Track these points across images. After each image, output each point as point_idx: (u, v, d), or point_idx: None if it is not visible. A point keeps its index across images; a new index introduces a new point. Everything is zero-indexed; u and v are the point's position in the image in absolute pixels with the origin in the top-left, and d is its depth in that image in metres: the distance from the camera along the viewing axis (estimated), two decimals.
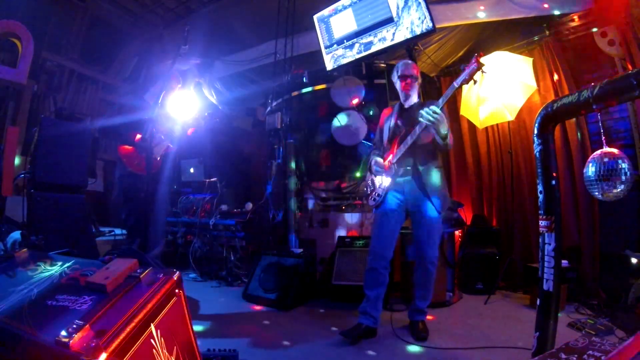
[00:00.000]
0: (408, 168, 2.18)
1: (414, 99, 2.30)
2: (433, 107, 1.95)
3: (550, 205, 1.25)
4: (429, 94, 3.88)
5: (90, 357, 0.78)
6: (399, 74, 2.28)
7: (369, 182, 2.37)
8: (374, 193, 2.30)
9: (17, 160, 3.20)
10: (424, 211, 2.14)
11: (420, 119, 2.00)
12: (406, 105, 2.30)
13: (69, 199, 2.79)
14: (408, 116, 2.24)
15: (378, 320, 2.11)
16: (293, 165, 3.83)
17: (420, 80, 2.32)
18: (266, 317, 2.54)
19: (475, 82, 1.94)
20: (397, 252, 2.88)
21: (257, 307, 2.76)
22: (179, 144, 4.16)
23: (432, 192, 2.12)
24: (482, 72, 1.89)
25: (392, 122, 2.30)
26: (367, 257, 2.20)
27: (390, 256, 2.17)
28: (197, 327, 2.18)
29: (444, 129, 2.01)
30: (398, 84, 2.30)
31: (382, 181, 2.26)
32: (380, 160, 2.27)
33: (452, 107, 3.99)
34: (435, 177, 2.16)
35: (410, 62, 2.33)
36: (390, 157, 2.22)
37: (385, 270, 2.14)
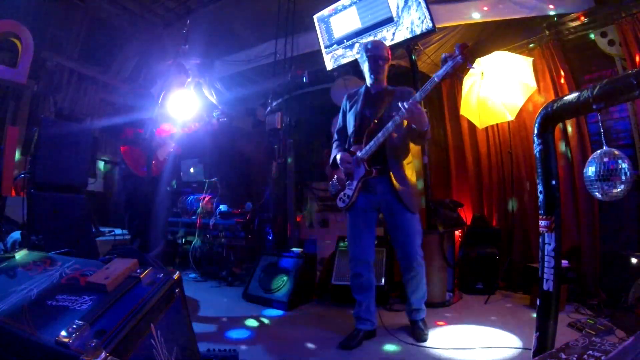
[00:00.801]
0: (378, 167, 1.99)
1: (383, 83, 2.13)
2: (413, 102, 1.81)
3: (550, 205, 1.24)
4: (429, 94, 3.87)
5: (90, 357, 0.78)
6: (369, 53, 2.07)
7: (335, 180, 2.14)
8: (342, 193, 2.09)
9: (17, 155, 3.19)
10: (397, 213, 2.03)
11: (399, 115, 1.84)
12: (373, 90, 2.11)
13: (69, 199, 2.79)
14: (375, 103, 2.06)
15: (375, 321, 2.08)
16: (293, 165, 3.84)
17: (390, 63, 2.15)
18: (266, 317, 2.54)
19: (457, 75, 1.85)
20: (396, 252, 2.88)
21: (257, 307, 2.76)
22: (180, 144, 4.15)
23: (404, 194, 1.98)
24: (468, 67, 1.77)
25: (358, 108, 2.10)
26: (349, 263, 2.12)
27: (372, 258, 2.09)
28: (197, 327, 2.18)
29: (425, 124, 1.86)
30: (366, 65, 2.09)
31: (351, 179, 2.05)
32: (346, 156, 2.05)
33: (452, 107, 4.00)
34: (407, 175, 2.03)
35: (380, 41, 2.14)
36: (358, 153, 2.01)
37: (369, 273, 2.08)
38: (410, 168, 2.09)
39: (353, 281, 2.10)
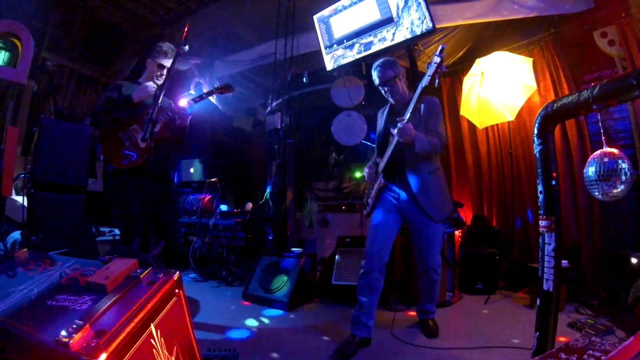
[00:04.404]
0: (398, 177, 2.07)
1: (405, 96, 2.16)
2: (403, 124, 1.86)
3: (550, 205, 1.25)
4: (429, 94, 3.87)
5: (90, 357, 0.78)
6: (377, 83, 2.15)
7: (368, 189, 2.30)
8: (366, 201, 2.23)
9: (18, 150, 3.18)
10: (418, 221, 2.05)
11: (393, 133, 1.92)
12: (398, 105, 2.17)
13: (69, 199, 2.79)
14: (398, 117, 2.08)
15: (372, 329, 1.99)
16: (293, 165, 3.83)
17: (402, 72, 2.15)
18: (266, 317, 2.54)
19: (436, 80, 1.82)
20: (398, 252, 2.89)
21: (257, 307, 2.76)
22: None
23: (424, 204, 1.99)
24: (442, 69, 1.78)
25: (382, 125, 2.20)
26: (361, 261, 2.04)
27: (386, 260, 2.02)
28: (197, 328, 2.18)
29: (417, 145, 1.89)
30: (382, 91, 2.19)
31: (372, 188, 2.18)
32: (369, 167, 2.22)
33: (453, 107, 4.00)
34: (428, 185, 2.02)
35: (384, 63, 2.14)
36: (380, 164, 2.13)
37: (380, 275, 1.99)
38: (437, 176, 2.09)
39: (362, 280, 2.00)
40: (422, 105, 2.03)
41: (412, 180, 2.03)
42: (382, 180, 2.10)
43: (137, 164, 2.07)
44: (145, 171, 1.92)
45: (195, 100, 2.24)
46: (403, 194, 2.07)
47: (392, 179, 2.10)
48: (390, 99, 2.19)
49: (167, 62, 2.23)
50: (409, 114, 1.90)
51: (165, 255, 2.23)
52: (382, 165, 2.11)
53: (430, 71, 1.80)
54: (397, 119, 1.93)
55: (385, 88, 2.13)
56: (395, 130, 1.90)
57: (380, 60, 2.16)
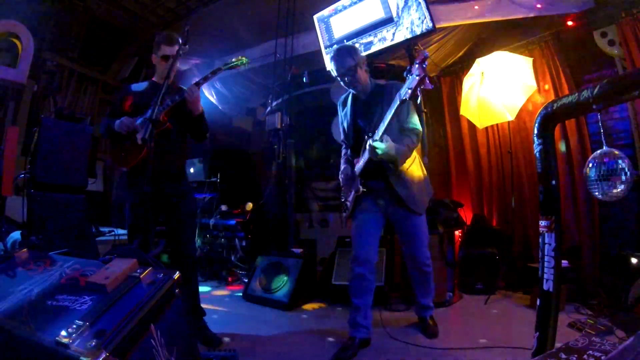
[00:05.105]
0: (377, 177, 1.97)
1: (368, 86, 2.01)
2: (374, 144, 1.74)
3: (550, 206, 1.24)
4: (429, 94, 3.88)
5: (90, 357, 0.78)
6: (336, 74, 1.97)
7: (343, 189, 2.17)
8: (344, 204, 2.12)
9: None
10: (403, 218, 2.01)
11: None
12: (363, 97, 2.02)
13: (69, 199, 2.79)
14: (367, 111, 1.99)
15: (370, 328, 1.99)
16: (293, 165, 3.83)
17: (363, 59, 1.97)
18: (266, 317, 2.54)
19: (417, 96, 1.65)
20: (398, 253, 2.89)
21: (257, 308, 2.76)
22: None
23: (405, 198, 1.94)
24: (427, 87, 1.63)
25: (349, 120, 2.06)
26: (350, 263, 2.02)
27: (375, 260, 2.01)
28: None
29: (403, 157, 1.82)
30: (341, 83, 2.01)
31: (349, 191, 2.07)
32: (345, 169, 2.10)
33: (453, 107, 4.00)
34: (404, 178, 1.96)
35: (340, 51, 1.96)
36: (356, 167, 2.01)
37: (371, 276, 1.99)
38: (415, 167, 2.02)
39: (353, 283, 1.99)
40: (388, 114, 1.79)
41: (392, 178, 1.95)
42: (361, 188, 1.99)
43: (134, 163, 1.95)
44: (145, 170, 1.88)
45: (199, 83, 2.01)
46: (383, 193, 2.00)
47: (371, 178, 1.99)
48: (352, 90, 2.03)
49: (171, 50, 2.01)
50: (383, 126, 1.74)
51: (175, 263, 2.08)
52: (358, 170, 2.00)
53: (411, 83, 1.59)
54: (368, 136, 1.78)
55: (346, 79, 1.95)
56: (368, 151, 1.79)
57: (337, 47, 2.02)
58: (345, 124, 2.12)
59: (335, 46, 2.02)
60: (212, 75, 2.05)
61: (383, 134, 1.76)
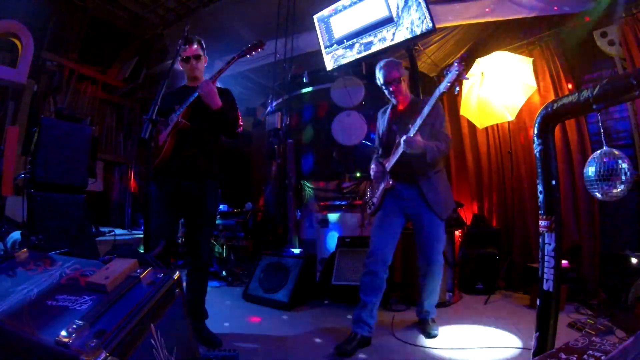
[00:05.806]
0: (405, 177, 2.09)
1: (408, 98, 2.19)
2: (405, 137, 1.90)
3: (550, 205, 1.24)
4: (429, 94, 3.88)
5: (90, 357, 0.78)
6: (382, 81, 2.15)
7: (369, 188, 2.32)
8: (370, 200, 2.24)
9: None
10: (425, 219, 2.07)
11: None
12: (400, 107, 2.19)
13: (69, 199, 2.79)
14: (403, 119, 2.12)
15: (373, 328, 2.00)
16: (293, 165, 3.84)
17: (406, 74, 2.18)
18: (266, 317, 2.54)
19: (456, 88, 1.86)
20: (399, 252, 2.88)
21: (257, 308, 2.75)
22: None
23: (433, 202, 2.04)
24: (462, 78, 1.82)
25: (385, 125, 2.21)
26: (365, 259, 2.06)
27: (390, 260, 2.05)
28: None
29: (431, 154, 1.93)
30: (385, 91, 2.18)
31: (378, 188, 2.20)
32: (377, 166, 2.22)
33: (453, 107, 4.00)
34: (435, 184, 2.07)
35: (389, 63, 2.15)
36: (386, 165, 2.15)
37: (384, 274, 2.02)
38: (443, 177, 2.15)
39: (365, 279, 2.02)
40: (427, 107, 1.99)
41: (420, 180, 2.06)
42: (391, 182, 2.11)
43: (156, 164, 1.95)
44: (155, 170, 1.90)
45: (214, 77, 2.01)
46: (411, 193, 2.08)
47: (400, 179, 2.11)
48: (393, 100, 2.18)
49: (190, 51, 2.09)
50: (420, 121, 1.91)
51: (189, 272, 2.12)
52: (389, 166, 2.12)
53: (450, 77, 1.81)
54: (410, 126, 1.94)
55: (390, 88, 2.12)
56: (403, 143, 1.92)
57: (386, 60, 2.18)
58: (381, 129, 2.26)
59: (385, 60, 2.20)
60: (227, 66, 2.09)
61: (417, 132, 1.92)
